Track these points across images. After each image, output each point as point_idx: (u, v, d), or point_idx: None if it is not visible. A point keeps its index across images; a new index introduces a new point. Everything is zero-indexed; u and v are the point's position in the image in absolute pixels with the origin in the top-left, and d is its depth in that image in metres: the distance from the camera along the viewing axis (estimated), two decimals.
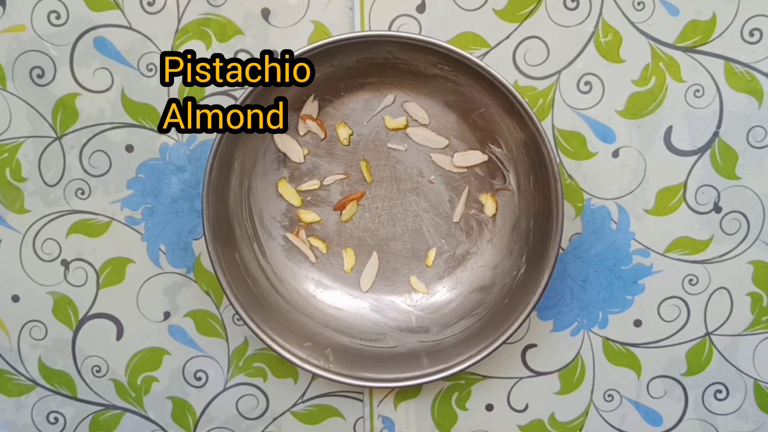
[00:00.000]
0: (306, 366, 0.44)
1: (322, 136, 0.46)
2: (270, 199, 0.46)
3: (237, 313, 0.43)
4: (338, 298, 0.47)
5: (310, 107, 0.45)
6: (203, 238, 0.42)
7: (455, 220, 0.47)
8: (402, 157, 0.46)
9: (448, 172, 0.46)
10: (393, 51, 0.42)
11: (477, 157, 0.46)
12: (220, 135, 0.41)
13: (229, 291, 0.43)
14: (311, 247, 0.47)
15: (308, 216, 0.46)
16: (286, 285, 0.47)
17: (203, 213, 0.42)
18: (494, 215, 0.46)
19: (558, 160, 0.42)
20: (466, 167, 0.46)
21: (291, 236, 0.47)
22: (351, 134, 0.46)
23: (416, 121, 0.45)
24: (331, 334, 0.46)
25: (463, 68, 0.42)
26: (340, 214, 0.47)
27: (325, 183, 0.46)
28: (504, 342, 0.43)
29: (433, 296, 0.47)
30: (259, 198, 0.46)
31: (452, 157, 0.46)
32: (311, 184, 0.46)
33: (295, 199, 0.46)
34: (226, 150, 0.42)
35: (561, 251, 0.46)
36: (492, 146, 0.45)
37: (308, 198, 0.47)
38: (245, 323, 0.44)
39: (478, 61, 0.40)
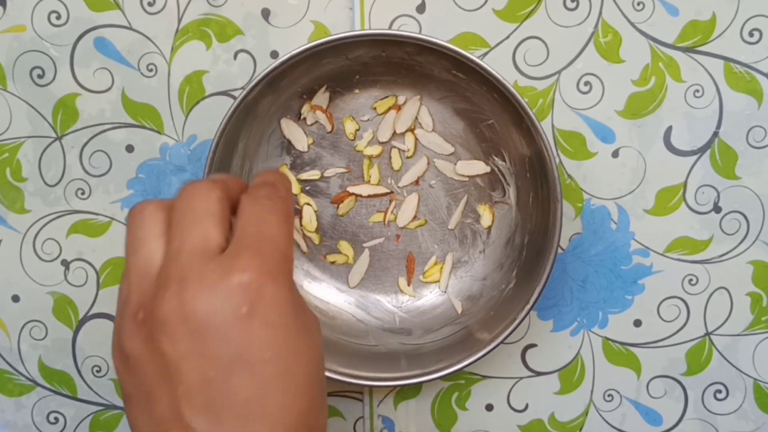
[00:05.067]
0: None
1: (329, 128, 0.46)
2: None
3: None
4: (325, 291, 0.47)
5: (321, 98, 0.45)
6: None
7: (450, 227, 0.47)
8: (405, 158, 0.46)
9: (449, 179, 0.46)
10: (410, 52, 0.42)
11: (480, 167, 0.46)
12: (230, 113, 0.41)
13: None
14: (304, 236, 0.47)
15: (306, 200, 0.46)
16: None
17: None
18: (490, 227, 0.46)
19: (561, 187, 0.42)
20: (468, 176, 0.46)
21: None
22: (357, 129, 0.46)
23: (420, 125, 0.45)
24: None
25: (477, 78, 0.42)
26: (337, 208, 0.47)
27: (326, 175, 0.46)
28: (500, 343, 0.43)
29: (419, 300, 0.47)
30: None
31: (455, 164, 0.46)
32: (312, 174, 0.46)
33: (294, 187, 0.46)
34: (233, 130, 0.42)
35: (561, 251, 0.46)
36: (496, 158, 0.45)
37: (307, 187, 0.47)
38: None
39: (497, 74, 0.40)
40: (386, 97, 0.45)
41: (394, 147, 0.46)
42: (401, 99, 0.45)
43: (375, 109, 0.45)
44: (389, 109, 0.45)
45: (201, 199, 0.31)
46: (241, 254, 0.29)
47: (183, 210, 0.31)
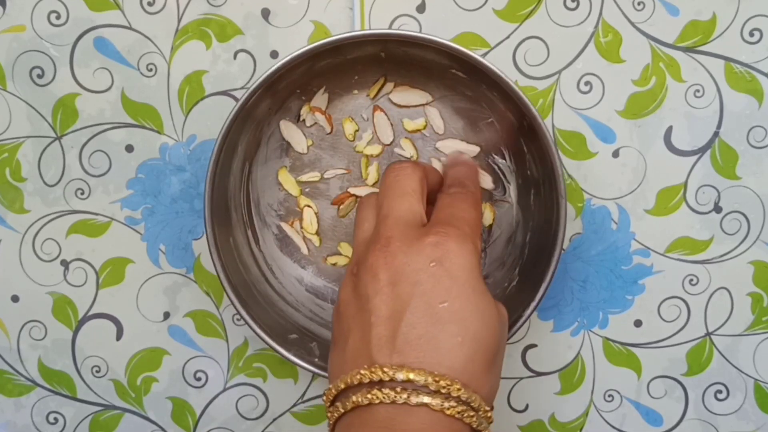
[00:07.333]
0: (292, 357, 0.43)
1: (328, 129, 0.46)
2: (269, 186, 0.46)
3: (225, 289, 0.42)
4: (326, 293, 0.47)
5: (320, 99, 0.45)
6: (203, 220, 0.42)
7: None
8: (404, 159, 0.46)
9: None
10: (409, 52, 0.42)
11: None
12: (232, 117, 0.41)
13: (222, 274, 0.42)
14: (304, 238, 0.47)
15: (306, 202, 0.46)
16: (277, 274, 0.47)
17: (206, 191, 0.41)
18: (491, 225, 0.46)
19: (564, 183, 0.41)
20: None
21: (285, 226, 0.47)
22: (357, 130, 0.46)
23: (432, 127, 0.45)
24: (317, 329, 0.46)
25: (477, 76, 0.41)
26: (338, 209, 0.46)
27: (325, 176, 0.46)
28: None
29: None
30: (258, 184, 0.46)
31: None
32: (312, 176, 0.46)
33: (294, 189, 0.46)
34: (233, 133, 0.42)
35: (562, 251, 0.46)
36: (496, 157, 0.45)
37: (307, 189, 0.47)
38: (231, 302, 0.43)
39: (500, 72, 0.40)
40: (376, 81, 0.45)
41: (396, 153, 0.46)
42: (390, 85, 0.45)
43: (369, 95, 0.45)
44: (380, 89, 0.45)
45: (406, 179, 0.38)
46: (436, 225, 0.36)
47: (391, 185, 0.38)
